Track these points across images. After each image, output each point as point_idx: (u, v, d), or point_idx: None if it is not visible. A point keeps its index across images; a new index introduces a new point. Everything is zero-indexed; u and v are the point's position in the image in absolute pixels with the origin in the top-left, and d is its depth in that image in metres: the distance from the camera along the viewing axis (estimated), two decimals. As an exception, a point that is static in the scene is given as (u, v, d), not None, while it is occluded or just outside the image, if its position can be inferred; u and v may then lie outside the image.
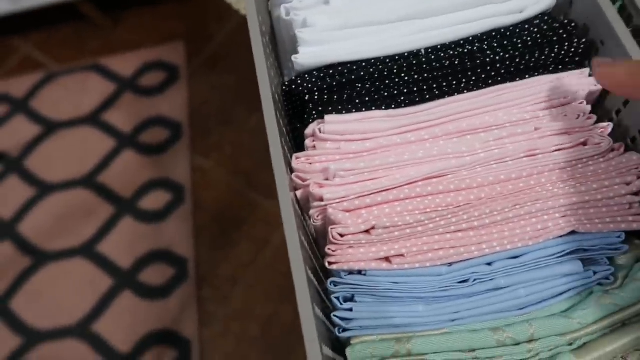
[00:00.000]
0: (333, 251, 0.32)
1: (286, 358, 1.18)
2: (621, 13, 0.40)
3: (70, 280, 1.32)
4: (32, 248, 1.34)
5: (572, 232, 0.32)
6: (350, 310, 0.32)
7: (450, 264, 0.32)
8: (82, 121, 1.50)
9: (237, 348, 1.21)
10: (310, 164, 0.34)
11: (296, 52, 0.38)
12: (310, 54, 0.37)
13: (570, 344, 0.31)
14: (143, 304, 1.28)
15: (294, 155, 0.35)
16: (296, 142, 0.41)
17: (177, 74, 1.54)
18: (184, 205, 1.38)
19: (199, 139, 1.43)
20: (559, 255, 0.31)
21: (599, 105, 0.38)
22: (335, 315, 0.32)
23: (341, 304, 0.33)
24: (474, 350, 0.31)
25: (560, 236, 0.32)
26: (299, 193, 0.35)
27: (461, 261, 0.32)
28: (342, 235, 0.32)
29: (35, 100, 1.53)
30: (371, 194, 0.33)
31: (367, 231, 0.32)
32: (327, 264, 0.32)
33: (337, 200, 0.33)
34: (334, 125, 0.35)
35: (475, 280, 0.32)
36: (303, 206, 0.36)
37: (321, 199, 0.33)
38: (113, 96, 1.53)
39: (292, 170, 0.35)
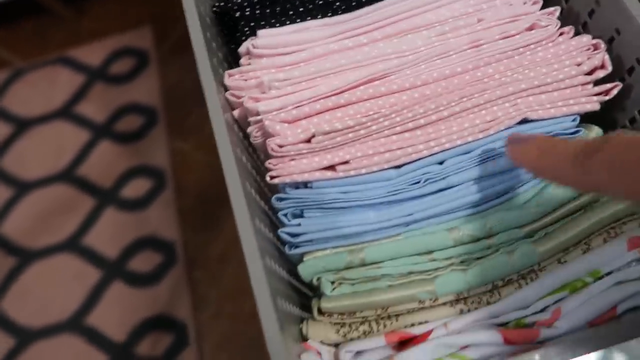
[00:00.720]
0: (274, 165, 0.30)
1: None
2: None
3: (58, 276, 1.30)
4: (17, 248, 1.32)
5: (524, 121, 0.30)
6: (298, 225, 0.30)
7: (400, 167, 0.30)
8: (54, 116, 1.47)
9: (233, 327, 1.20)
10: (245, 80, 0.32)
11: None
12: (239, -32, 0.35)
13: (531, 236, 0.29)
14: (134, 293, 1.26)
15: (226, 73, 0.33)
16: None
17: (146, 59, 1.51)
18: (166, 190, 1.36)
19: (176, 122, 1.41)
20: (511, 144, 0.30)
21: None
22: (282, 232, 0.30)
23: (289, 220, 0.31)
24: (431, 252, 0.30)
25: (512, 126, 0.30)
26: (236, 112, 0.33)
27: (410, 162, 0.30)
28: (281, 147, 0.30)
29: (3, 99, 1.49)
30: (309, 102, 0.31)
31: (307, 140, 0.30)
32: (268, 178, 0.30)
33: (274, 112, 0.31)
34: (268, 39, 0.33)
35: (427, 180, 0.30)
36: (244, 126, 0.34)
37: (257, 114, 0.31)
38: (83, 88, 1.49)
39: (226, 89, 0.33)
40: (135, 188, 1.34)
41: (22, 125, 1.45)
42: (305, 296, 0.35)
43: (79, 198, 1.36)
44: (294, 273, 0.33)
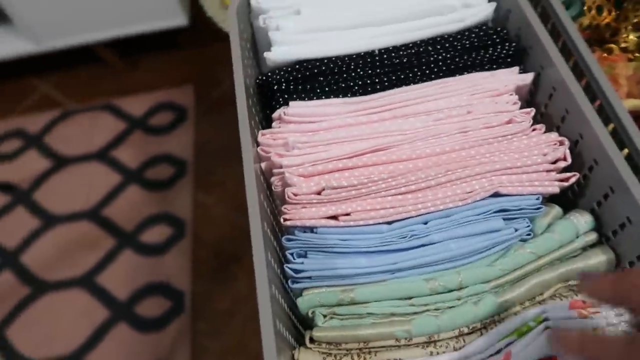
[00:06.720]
0: (288, 210, 0.37)
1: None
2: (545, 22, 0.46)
3: (67, 310, 1.31)
4: (32, 277, 1.34)
5: (497, 195, 0.37)
6: (302, 263, 0.36)
7: (390, 223, 0.37)
8: (91, 157, 1.54)
9: (230, 382, 1.20)
10: (274, 139, 0.40)
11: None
12: (281, 51, 0.43)
13: (495, 291, 0.35)
14: (137, 336, 1.27)
15: (260, 132, 0.40)
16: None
17: (185, 114, 1.61)
18: (184, 239, 1.40)
19: (202, 176, 1.48)
20: (484, 213, 0.36)
21: (530, 99, 0.44)
22: (287, 267, 0.36)
23: (294, 259, 0.37)
24: (410, 298, 0.35)
25: (486, 198, 0.36)
26: (263, 165, 0.40)
27: (400, 220, 0.36)
28: (296, 195, 0.37)
29: (48, 136, 1.59)
30: (323, 162, 0.38)
31: (318, 193, 0.37)
32: (282, 220, 0.37)
33: (294, 167, 0.38)
34: (297, 109, 0.41)
35: (412, 236, 0.36)
36: (268, 177, 0.41)
37: (280, 167, 0.38)
38: (123, 134, 1.58)
39: (258, 145, 0.40)
40: (155, 234, 1.39)
41: (60, 162, 1.54)
42: (298, 332, 0.40)
43: (101, 237, 1.41)
44: (292, 310, 0.38)
